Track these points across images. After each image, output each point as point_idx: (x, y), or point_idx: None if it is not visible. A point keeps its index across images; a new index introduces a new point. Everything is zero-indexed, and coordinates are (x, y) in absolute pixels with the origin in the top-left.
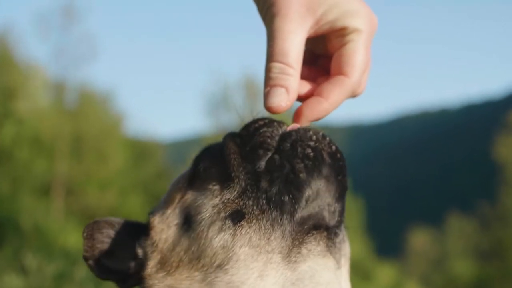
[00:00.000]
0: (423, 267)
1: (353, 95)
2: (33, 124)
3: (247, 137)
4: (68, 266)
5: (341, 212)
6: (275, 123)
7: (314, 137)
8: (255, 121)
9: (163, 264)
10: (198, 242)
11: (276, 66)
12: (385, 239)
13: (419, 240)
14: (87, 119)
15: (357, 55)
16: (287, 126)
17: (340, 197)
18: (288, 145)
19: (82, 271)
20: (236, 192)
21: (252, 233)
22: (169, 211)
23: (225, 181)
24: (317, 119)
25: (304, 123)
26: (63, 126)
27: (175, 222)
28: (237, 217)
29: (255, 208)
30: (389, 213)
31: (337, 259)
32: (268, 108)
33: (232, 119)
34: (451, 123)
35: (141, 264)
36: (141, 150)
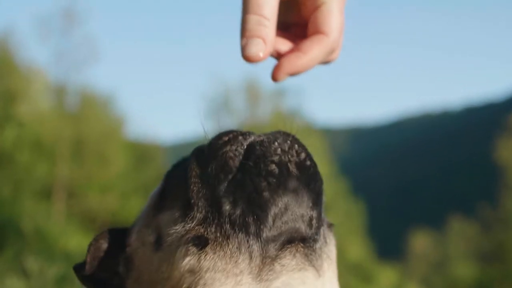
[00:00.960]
0: (424, 269)
1: (330, 59)
2: (34, 127)
3: (210, 156)
4: (69, 269)
5: (318, 217)
6: (240, 138)
7: (278, 150)
8: (220, 136)
9: (139, 283)
10: (167, 263)
11: (252, 18)
12: (386, 242)
13: (420, 242)
14: (88, 122)
15: (333, 15)
16: (254, 136)
17: (315, 204)
18: (251, 162)
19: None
20: (196, 220)
21: (217, 258)
22: (144, 229)
23: (187, 207)
24: (296, 73)
25: (282, 76)
26: (64, 129)
27: (148, 240)
28: (200, 242)
29: (218, 234)
30: (390, 215)
31: (318, 266)
32: (246, 58)
33: (233, 122)
34: (453, 126)
35: (122, 279)
36: (142, 153)
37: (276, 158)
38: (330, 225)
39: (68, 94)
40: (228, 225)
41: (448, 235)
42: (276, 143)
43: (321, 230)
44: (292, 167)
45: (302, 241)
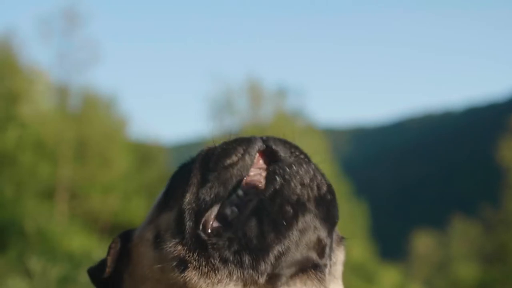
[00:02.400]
0: (427, 270)
1: None
2: (36, 128)
3: (216, 175)
4: (72, 269)
5: (330, 246)
6: (247, 158)
7: (298, 189)
8: (228, 153)
9: (132, 278)
10: (159, 267)
11: None
12: (388, 242)
13: (423, 243)
14: (90, 123)
15: None
16: (259, 159)
17: (329, 234)
18: (264, 199)
19: (86, 275)
20: (182, 239)
21: (203, 283)
22: (146, 225)
23: (180, 215)
24: None
25: None
26: (66, 130)
27: (147, 237)
28: (181, 264)
29: (202, 263)
30: (393, 216)
31: (327, 287)
32: None
33: (235, 123)
34: (455, 126)
35: (121, 273)
36: (144, 153)
37: (294, 198)
38: (340, 239)
39: (70, 95)
40: (218, 261)
41: (450, 235)
42: (297, 177)
43: (331, 255)
44: (310, 204)
45: (313, 268)
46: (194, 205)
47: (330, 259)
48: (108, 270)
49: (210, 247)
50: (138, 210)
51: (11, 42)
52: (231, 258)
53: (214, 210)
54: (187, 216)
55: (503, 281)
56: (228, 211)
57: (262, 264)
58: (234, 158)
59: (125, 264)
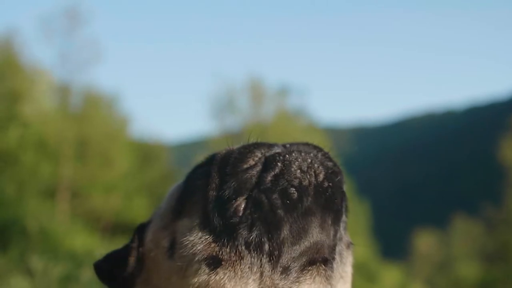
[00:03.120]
0: (428, 269)
1: None
2: (38, 128)
3: (231, 176)
4: (74, 268)
5: (335, 235)
6: (264, 158)
7: (298, 172)
8: (246, 157)
9: (146, 284)
10: (177, 275)
11: None
12: (390, 241)
13: (425, 242)
14: (92, 122)
15: None
16: (276, 149)
17: (333, 223)
18: (268, 179)
19: (88, 273)
20: (212, 236)
21: (227, 279)
22: (160, 231)
23: (205, 219)
24: None
25: None
26: (68, 129)
27: (162, 244)
28: (213, 263)
29: (232, 255)
30: (395, 215)
31: (334, 286)
32: None
33: (237, 122)
34: (456, 125)
35: (133, 278)
36: (146, 153)
37: (296, 182)
38: (349, 244)
39: (72, 94)
40: (244, 246)
41: (452, 235)
42: (296, 163)
43: (337, 249)
44: (311, 189)
45: (323, 262)
46: (218, 205)
47: (337, 252)
48: (130, 270)
49: (238, 235)
50: (140, 209)
51: (13, 42)
52: (253, 241)
53: (238, 204)
54: (215, 216)
55: (505, 280)
56: (248, 205)
57: (276, 248)
58: (252, 162)
59: (137, 268)
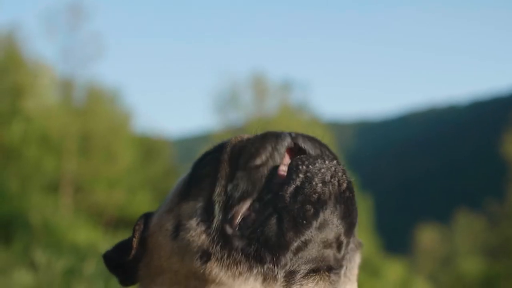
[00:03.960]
0: (431, 264)
1: None
2: (41, 122)
3: (245, 174)
4: (77, 262)
5: (347, 245)
6: (276, 156)
7: (319, 187)
8: (258, 152)
9: (148, 267)
10: (178, 257)
11: None
12: (393, 236)
13: (427, 237)
14: (95, 117)
15: None
16: (287, 156)
17: (347, 234)
18: (285, 196)
19: (91, 267)
20: (209, 228)
21: (223, 274)
22: (165, 214)
23: (209, 205)
24: None
25: None
26: (71, 124)
27: (167, 227)
28: (204, 256)
29: (225, 255)
30: (397, 210)
31: None
32: None
33: (240, 116)
34: (459, 120)
35: (137, 261)
36: (149, 147)
37: (314, 197)
38: (359, 245)
39: (75, 89)
40: (239, 254)
41: (455, 230)
42: (319, 175)
43: (347, 257)
44: (330, 201)
45: (328, 270)
46: (223, 197)
47: (346, 259)
48: (133, 252)
49: (233, 240)
50: (143, 204)
51: (16, 37)
52: (252, 254)
53: (242, 206)
54: (216, 207)
55: (507, 276)
56: (253, 209)
57: (282, 259)
58: (264, 158)
59: (140, 253)
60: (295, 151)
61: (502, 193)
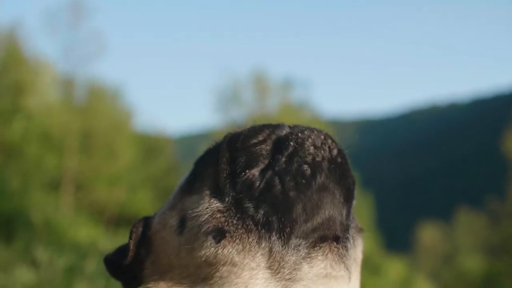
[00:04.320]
0: (433, 262)
1: None
2: (42, 120)
3: (241, 150)
4: (78, 259)
5: (348, 215)
6: (273, 135)
7: (311, 148)
8: (255, 133)
9: (155, 265)
10: (186, 250)
11: None
12: (394, 234)
13: (429, 235)
14: (96, 115)
15: None
16: (287, 129)
17: (345, 200)
18: (283, 160)
19: (93, 265)
20: (220, 205)
21: (235, 252)
22: (167, 211)
23: (215, 190)
24: None
25: None
26: (72, 122)
27: (171, 224)
28: (218, 235)
29: (239, 227)
30: (398, 208)
31: (349, 268)
32: None
33: (241, 114)
34: (461, 118)
35: (142, 262)
36: (150, 145)
37: (309, 158)
38: (360, 229)
39: (76, 87)
40: (251, 221)
41: (456, 228)
42: (310, 140)
43: (351, 231)
44: (324, 164)
45: (335, 240)
46: (229, 177)
47: (349, 233)
48: (130, 254)
49: (245, 209)
50: (144, 202)
51: (18, 35)
52: (261, 220)
53: (246, 177)
54: (227, 186)
55: (508, 273)
56: (255, 176)
57: (288, 224)
58: (260, 138)
59: (145, 252)
60: None
61: (504, 191)
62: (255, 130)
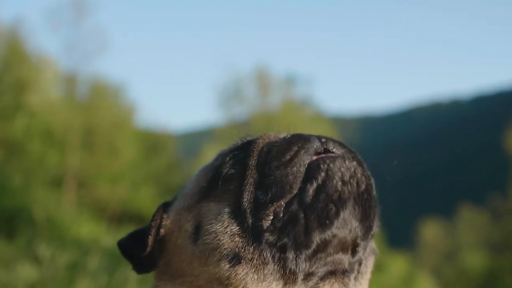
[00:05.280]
0: (435, 259)
1: None
2: (45, 117)
3: (271, 177)
4: (80, 256)
5: (364, 249)
6: (303, 154)
7: (339, 185)
8: (284, 152)
9: (168, 267)
10: (199, 262)
11: None
12: (396, 231)
13: (431, 232)
14: (98, 111)
15: None
16: (318, 156)
17: (364, 237)
18: (310, 193)
19: (95, 261)
20: (239, 229)
21: (249, 280)
22: (184, 212)
23: (236, 209)
24: None
25: None
26: (75, 119)
27: (186, 228)
28: (234, 259)
29: (256, 256)
30: (401, 205)
31: None
32: None
33: (244, 111)
34: (463, 115)
35: (154, 258)
36: (152, 142)
37: (335, 196)
38: (373, 250)
39: (78, 84)
40: (269, 253)
41: (458, 224)
42: (339, 174)
43: (363, 261)
44: (350, 203)
45: (343, 273)
46: (253, 203)
47: (360, 263)
48: (148, 249)
49: (264, 240)
50: (147, 199)
51: (20, 31)
52: (278, 254)
53: (271, 208)
54: (248, 211)
55: (511, 270)
56: (282, 208)
57: (304, 259)
58: (288, 157)
59: (158, 248)
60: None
61: (506, 188)
62: (284, 148)
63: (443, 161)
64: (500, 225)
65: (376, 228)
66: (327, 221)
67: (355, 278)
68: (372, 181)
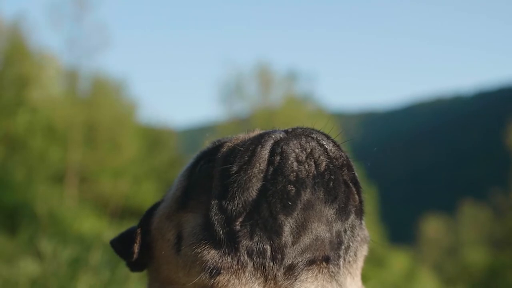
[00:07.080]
0: (436, 254)
1: None
2: (47, 113)
3: (233, 184)
4: (82, 251)
5: (342, 231)
6: (260, 151)
7: (294, 165)
8: (248, 159)
9: (158, 273)
10: (183, 272)
11: None
12: (398, 227)
13: (432, 227)
14: (100, 107)
15: None
16: (272, 141)
17: (339, 217)
18: (269, 178)
19: (97, 256)
20: (214, 243)
21: (231, 286)
22: (165, 220)
23: (207, 224)
24: None
25: None
26: (77, 114)
27: (169, 238)
28: (213, 270)
29: (234, 263)
30: (403, 201)
31: (342, 282)
32: None
33: (245, 107)
34: (465, 110)
35: (144, 262)
36: (154, 138)
37: (292, 176)
38: (365, 238)
39: (80, 79)
40: (246, 256)
41: (460, 220)
42: (293, 154)
43: (347, 246)
44: (309, 181)
45: (325, 260)
46: (220, 214)
47: (347, 250)
48: (135, 256)
49: (240, 246)
50: (148, 194)
51: (22, 27)
52: (255, 251)
53: (240, 215)
54: (216, 224)
55: None
56: (247, 211)
57: (279, 250)
58: (246, 158)
59: (147, 255)
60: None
61: (508, 183)
62: (244, 148)
63: (445, 157)
64: (502, 221)
65: (356, 209)
66: (289, 202)
67: (343, 267)
68: (342, 161)
